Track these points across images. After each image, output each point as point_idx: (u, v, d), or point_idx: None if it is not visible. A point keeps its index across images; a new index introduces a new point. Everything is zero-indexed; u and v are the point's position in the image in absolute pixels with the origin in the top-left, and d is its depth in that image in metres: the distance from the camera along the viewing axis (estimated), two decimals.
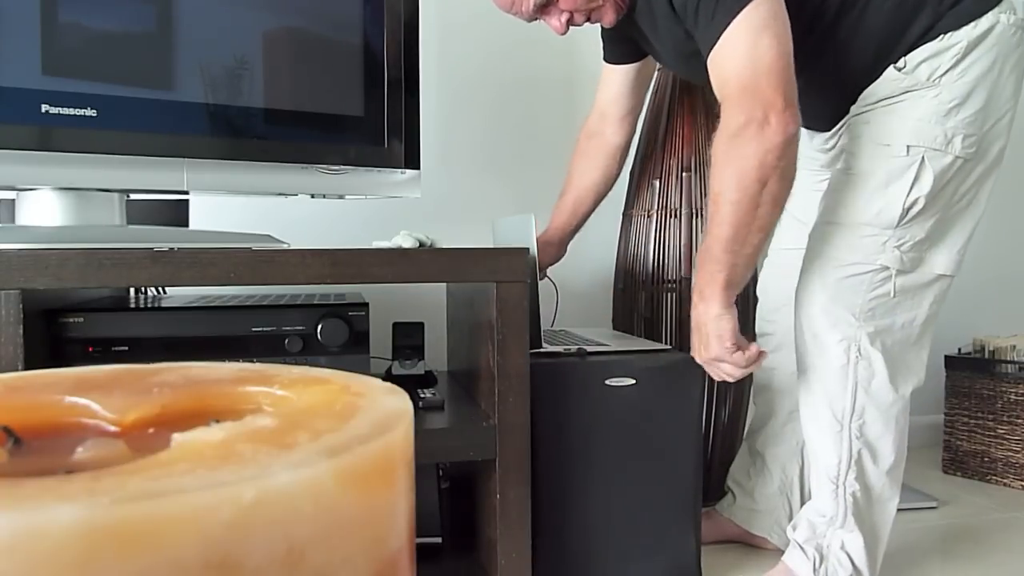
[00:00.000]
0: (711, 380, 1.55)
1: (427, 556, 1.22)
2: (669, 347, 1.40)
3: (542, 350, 1.23)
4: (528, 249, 1.08)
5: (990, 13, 1.10)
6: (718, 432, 1.57)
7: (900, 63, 1.13)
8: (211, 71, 1.04)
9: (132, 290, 1.40)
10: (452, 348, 1.51)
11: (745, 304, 1.55)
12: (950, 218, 1.15)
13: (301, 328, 1.09)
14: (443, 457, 1.09)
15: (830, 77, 1.18)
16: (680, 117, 1.56)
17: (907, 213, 1.11)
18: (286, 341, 1.08)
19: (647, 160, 1.59)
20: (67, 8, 0.97)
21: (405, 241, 1.21)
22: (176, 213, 1.43)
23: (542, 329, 1.26)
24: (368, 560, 0.35)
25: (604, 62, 1.45)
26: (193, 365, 0.51)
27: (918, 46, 1.12)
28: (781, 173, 1.04)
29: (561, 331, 1.56)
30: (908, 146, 1.11)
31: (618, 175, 1.54)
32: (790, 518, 1.36)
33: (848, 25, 1.14)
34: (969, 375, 1.85)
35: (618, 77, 1.44)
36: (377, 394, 0.43)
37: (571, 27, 1.22)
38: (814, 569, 1.17)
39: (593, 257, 1.86)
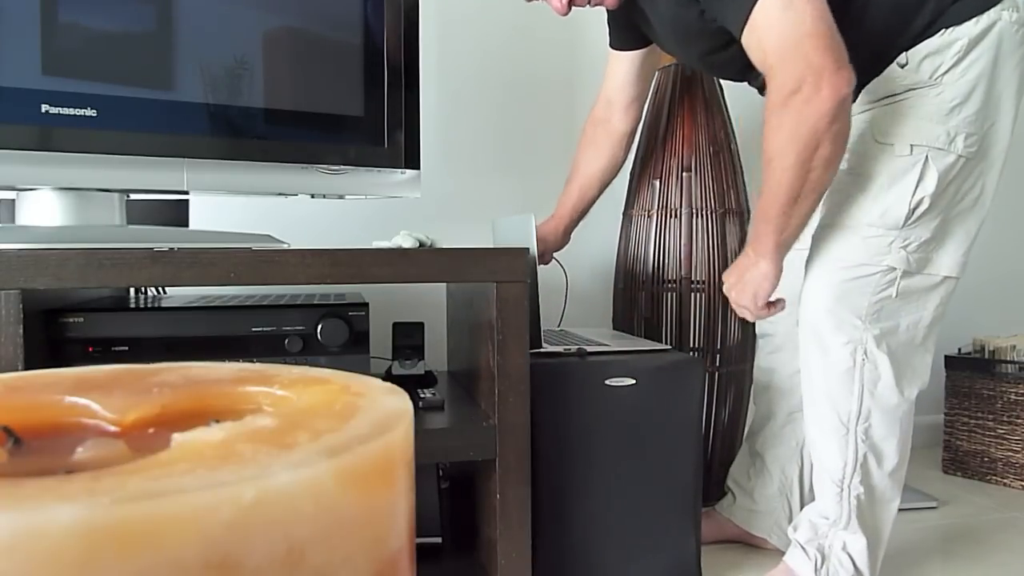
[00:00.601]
0: (711, 380, 1.56)
1: (427, 556, 1.22)
2: (669, 347, 1.40)
3: (542, 350, 1.23)
4: (528, 249, 1.08)
5: (992, 10, 1.10)
6: (718, 432, 1.57)
7: (902, 59, 1.12)
8: (211, 71, 1.04)
9: (132, 290, 1.40)
10: (452, 348, 1.51)
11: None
12: (954, 218, 1.15)
13: (301, 328, 1.09)
14: (443, 457, 1.09)
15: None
16: (680, 117, 1.56)
17: (913, 213, 1.11)
18: (286, 341, 1.08)
19: (647, 160, 1.59)
20: (67, 8, 0.97)
21: (405, 241, 1.21)
22: (176, 213, 1.43)
23: (543, 327, 1.26)
24: (368, 560, 0.35)
25: (610, 48, 1.45)
26: (193, 365, 0.51)
27: (920, 41, 1.12)
28: (834, 136, 1.03)
29: (561, 331, 1.56)
30: (912, 145, 1.11)
31: (623, 162, 1.55)
32: (790, 519, 1.36)
33: (853, 16, 1.12)
34: (969, 375, 1.85)
35: (624, 64, 1.44)
36: (377, 394, 0.43)
37: (573, 7, 1.21)
38: (815, 569, 1.17)
39: (593, 257, 1.86)
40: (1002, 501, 1.70)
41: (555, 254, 1.56)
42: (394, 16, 1.14)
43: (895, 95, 1.14)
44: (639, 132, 1.63)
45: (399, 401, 0.41)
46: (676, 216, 1.54)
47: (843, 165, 1.23)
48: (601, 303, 1.78)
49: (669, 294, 1.55)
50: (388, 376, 1.31)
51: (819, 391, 1.18)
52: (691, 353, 1.53)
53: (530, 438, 1.06)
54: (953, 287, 1.17)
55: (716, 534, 1.41)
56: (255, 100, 1.07)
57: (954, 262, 1.15)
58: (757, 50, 1.06)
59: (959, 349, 1.92)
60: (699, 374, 1.22)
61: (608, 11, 1.30)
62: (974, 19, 1.10)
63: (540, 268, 1.47)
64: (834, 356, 1.15)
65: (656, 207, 1.56)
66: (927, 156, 1.11)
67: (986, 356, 1.85)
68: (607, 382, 1.18)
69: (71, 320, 1.02)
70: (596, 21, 1.42)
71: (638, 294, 1.59)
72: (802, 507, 1.35)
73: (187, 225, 1.46)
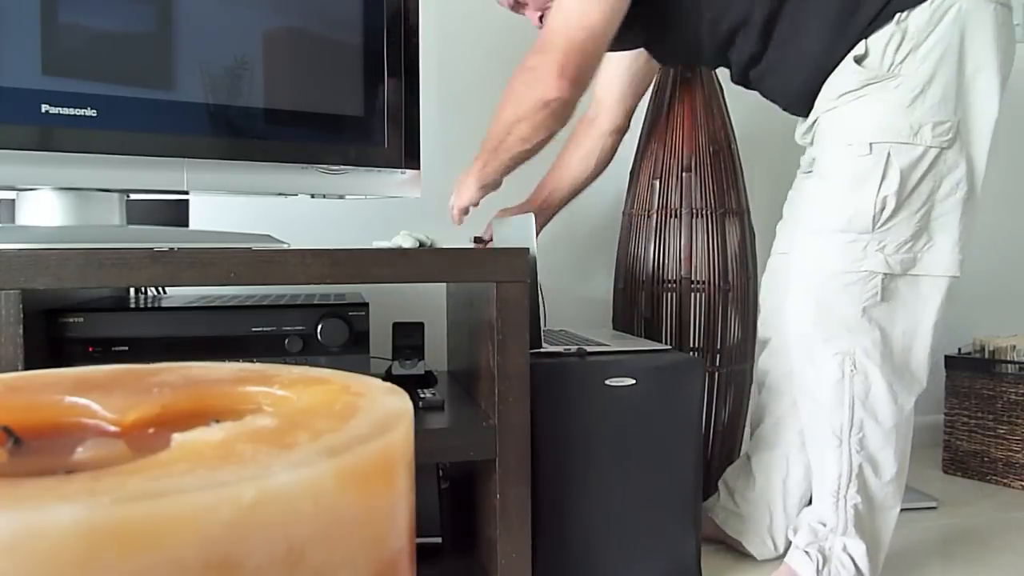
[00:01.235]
0: (711, 380, 1.56)
1: (427, 556, 1.22)
2: (669, 347, 1.40)
3: (542, 350, 1.23)
4: (528, 249, 1.08)
5: None
6: (718, 432, 1.57)
7: (860, 49, 1.10)
8: (211, 71, 1.04)
9: (132, 290, 1.40)
10: (452, 348, 1.51)
11: (745, 310, 1.55)
12: (940, 213, 1.10)
13: (301, 328, 1.09)
14: (443, 457, 1.09)
15: (791, 57, 1.17)
16: (680, 117, 1.56)
17: (881, 215, 1.08)
18: (286, 341, 1.08)
19: (647, 160, 1.59)
20: (67, 8, 0.97)
21: (405, 241, 1.21)
22: (176, 213, 1.43)
23: (542, 329, 1.26)
24: (368, 560, 0.35)
25: None
26: (193, 365, 0.51)
27: (873, 30, 1.08)
28: (535, 124, 1.19)
29: (561, 331, 1.56)
30: (871, 144, 1.08)
31: (604, 164, 1.55)
32: (770, 526, 1.35)
33: (797, 2, 1.14)
34: (969, 375, 1.85)
35: (611, 62, 1.46)
36: (377, 394, 0.43)
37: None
38: (817, 571, 1.17)
39: (593, 257, 1.86)
40: (1002, 501, 1.70)
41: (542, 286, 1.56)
42: (394, 15, 1.14)
43: (853, 91, 1.10)
44: (639, 132, 1.63)
45: (399, 401, 0.41)
46: (676, 216, 1.54)
47: (812, 168, 1.22)
48: (601, 303, 1.78)
49: (669, 294, 1.55)
50: (388, 376, 1.31)
51: (811, 403, 1.17)
52: (691, 353, 1.53)
53: (530, 438, 1.06)
54: (951, 286, 1.12)
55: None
56: (255, 100, 1.07)
57: (948, 260, 1.10)
58: (546, 22, 1.20)
59: (959, 349, 1.92)
60: (699, 374, 1.22)
61: None
62: (928, 1, 1.06)
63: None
64: (823, 368, 1.13)
65: (656, 207, 1.56)
66: (889, 152, 1.07)
67: (986, 356, 1.85)
68: (607, 382, 1.18)
69: (71, 320, 1.02)
70: None
71: (638, 294, 1.59)
72: (784, 514, 1.34)
73: (187, 225, 1.46)
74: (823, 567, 1.17)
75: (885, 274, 1.10)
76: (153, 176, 1.04)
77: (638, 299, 1.60)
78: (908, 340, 1.13)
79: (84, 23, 0.98)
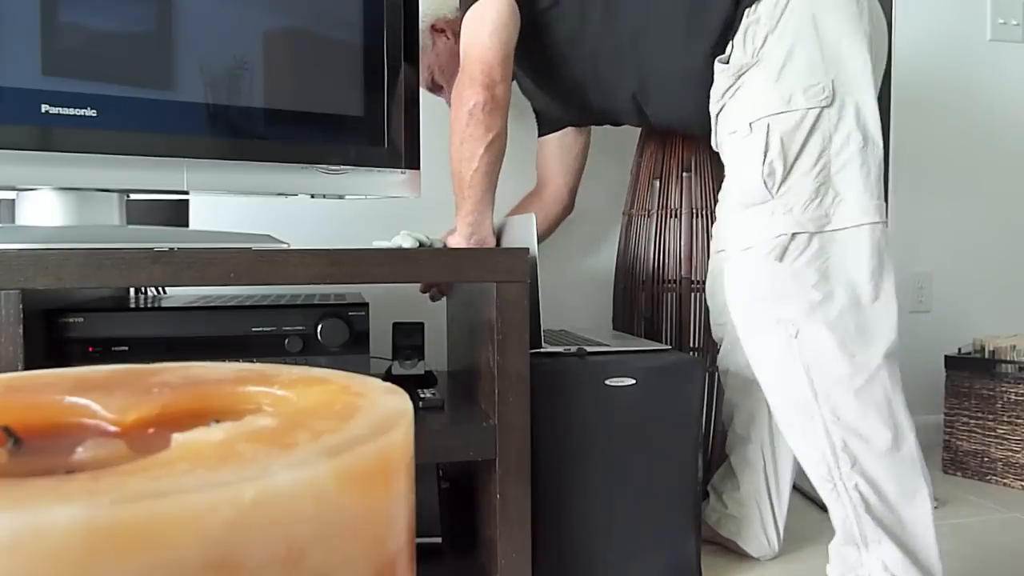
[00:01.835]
0: (711, 380, 1.56)
1: (427, 556, 1.22)
2: (669, 347, 1.41)
3: (542, 350, 1.23)
4: (528, 249, 1.08)
5: None
6: (718, 432, 1.57)
7: (724, 52, 1.18)
8: (211, 71, 1.04)
9: (132, 290, 1.40)
10: (452, 348, 1.51)
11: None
12: (842, 166, 1.10)
13: (301, 328, 1.09)
14: (443, 457, 1.09)
15: (667, 83, 1.29)
16: None
17: (773, 179, 1.11)
18: (286, 341, 1.08)
19: (647, 160, 1.59)
20: (67, 8, 0.97)
21: (405, 241, 1.21)
22: (176, 213, 1.43)
23: (542, 329, 1.26)
24: (368, 560, 0.35)
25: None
26: (193, 365, 0.51)
27: (731, 30, 1.17)
28: (469, 138, 1.24)
29: (561, 331, 1.56)
30: (750, 123, 1.14)
31: (548, 232, 1.63)
32: (762, 522, 1.35)
33: (636, 21, 1.26)
34: (969, 375, 1.85)
35: (544, 147, 1.63)
36: (377, 394, 0.43)
37: None
38: None
39: (593, 257, 1.86)
40: (1002, 501, 1.70)
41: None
42: (394, 16, 1.14)
43: (730, 88, 1.18)
44: (640, 132, 1.63)
45: (399, 401, 0.41)
46: (676, 216, 1.54)
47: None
48: (601, 303, 1.78)
49: (669, 294, 1.55)
50: (388, 376, 1.31)
51: (768, 385, 1.15)
52: (691, 353, 1.53)
53: (530, 438, 1.06)
54: (882, 232, 1.10)
55: None
56: (255, 100, 1.07)
57: (863, 207, 1.09)
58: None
59: (959, 349, 1.92)
60: (699, 374, 1.22)
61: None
62: None
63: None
64: (767, 341, 1.13)
65: (656, 207, 1.56)
66: (768, 124, 1.12)
67: (986, 356, 1.85)
68: (607, 382, 1.18)
69: (71, 320, 1.02)
70: None
71: (638, 294, 1.59)
72: (773, 509, 1.35)
73: (187, 225, 1.46)
74: None
75: (797, 233, 1.10)
76: (153, 176, 1.04)
77: (638, 299, 1.60)
78: (853, 294, 1.09)
79: (84, 23, 0.98)
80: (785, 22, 1.13)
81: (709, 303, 1.43)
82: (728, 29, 1.18)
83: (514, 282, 1.05)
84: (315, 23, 1.11)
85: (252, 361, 1.02)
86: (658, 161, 1.57)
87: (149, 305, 1.19)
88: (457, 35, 1.34)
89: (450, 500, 1.30)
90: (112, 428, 0.43)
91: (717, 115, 1.22)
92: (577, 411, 1.17)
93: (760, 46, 1.15)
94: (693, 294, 1.53)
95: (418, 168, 1.18)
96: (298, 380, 0.46)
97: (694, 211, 1.53)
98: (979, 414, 1.84)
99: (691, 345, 1.54)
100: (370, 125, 1.14)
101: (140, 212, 1.34)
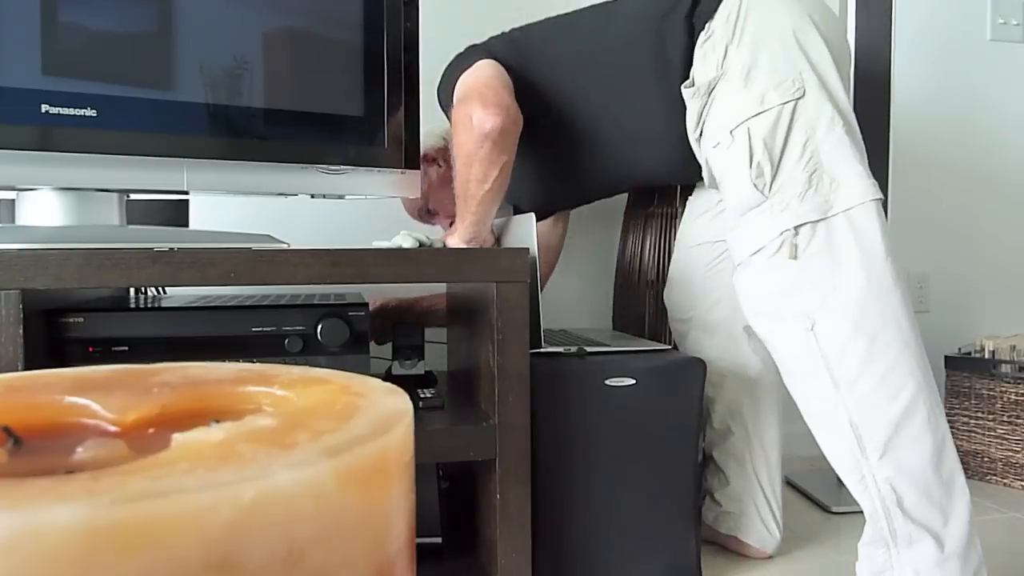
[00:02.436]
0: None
1: (427, 556, 1.22)
2: (669, 347, 1.40)
3: (542, 350, 1.23)
4: (528, 249, 1.08)
5: None
6: None
7: (689, 80, 1.22)
8: (211, 71, 1.04)
9: (132, 290, 1.40)
10: (452, 348, 1.51)
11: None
12: (831, 151, 1.11)
13: (301, 328, 1.09)
14: (443, 457, 1.09)
15: (646, 124, 1.31)
16: None
17: (763, 180, 1.12)
18: (286, 341, 1.08)
19: None
20: (67, 8, 0.97)
21: (405, 241, 1.21)
22: (176, 213, 1.43)
23: (542, 329, 1.26)
24: (368, 560, 0.35)
25: None
26: (193, 365, 0.51)
27: (692, 55, 1.21)
28: (483, 160, 1.24)
29: (561, 331, 1.56)
30: (731, 132, 1.16)
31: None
32: (759, 512, 1.36)
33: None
34: (969, 375, 1.85)
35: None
36: (377, 394, 0.43)
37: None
38: None
39: (593, 257, 1.86)
40: (1002, 501, 1.70)
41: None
42: (394, 16, 1.14)
43: (704, 106, 1.20)
44: None
45: (399, 401, 0.41)
46: (676, 216, 1.54)
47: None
48: (601, 303, 1.78)
49: None
50: (388, 376, 1.31)
51: (791, 381, 1.14)
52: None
53: (530, 438, 1.06)
54: (879, 208, 1.09)
55: None
56: (255, 100, 1.07)
57: (859, 188, 1.09)
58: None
59: (959, 349, 1.92)
60: (699, 374, 1.22)
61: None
62: (721, 5, 1.19)
63: None
64: (786, 336, 1.12)
65: (656, 207, 1.56)
66: (748, 129, 1.13)
67: (986, 356, 1.85)
68: (607, 382, 1.18)
69: (71, 320, 1.02)
70: None
71: (638, 294, 1.59)
72: (767, 497, 1.36)
73: (187, 225, 1.46)
74: None
75: (800, 226, 1.09)
76: (153, 176, 1.04)
77: (638, 299, 1.60)
78: (868, 273, 1.07)
79: (84, 23, 0.98)
80: (740, 30, 1.17)
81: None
82: (690, 55, 1.22)
83: (514, 282, 1.05)
84: (315, 23, 1.11)
85: (252, 361, 1.02)
86: None
87: (149, 305, 1.19)
88: (448, 161, 1.38)
89: (450, 500, 1.30)
90: (112, 428, 0.43)
91: (698, 140, 1.23)
92: (577, 411, 1.17)
93: (723, 58, 1.18)
94: None
95: (418, 168, 1.18)
96: (298, 380, 0.46)
97: None
98: (979, 414, 1.84)
99: None
100: (370, 125, 1.14)
101: (140, 212, 1.34)
